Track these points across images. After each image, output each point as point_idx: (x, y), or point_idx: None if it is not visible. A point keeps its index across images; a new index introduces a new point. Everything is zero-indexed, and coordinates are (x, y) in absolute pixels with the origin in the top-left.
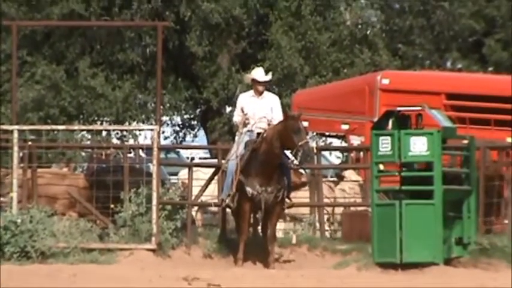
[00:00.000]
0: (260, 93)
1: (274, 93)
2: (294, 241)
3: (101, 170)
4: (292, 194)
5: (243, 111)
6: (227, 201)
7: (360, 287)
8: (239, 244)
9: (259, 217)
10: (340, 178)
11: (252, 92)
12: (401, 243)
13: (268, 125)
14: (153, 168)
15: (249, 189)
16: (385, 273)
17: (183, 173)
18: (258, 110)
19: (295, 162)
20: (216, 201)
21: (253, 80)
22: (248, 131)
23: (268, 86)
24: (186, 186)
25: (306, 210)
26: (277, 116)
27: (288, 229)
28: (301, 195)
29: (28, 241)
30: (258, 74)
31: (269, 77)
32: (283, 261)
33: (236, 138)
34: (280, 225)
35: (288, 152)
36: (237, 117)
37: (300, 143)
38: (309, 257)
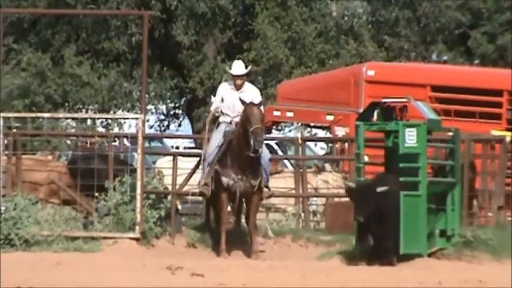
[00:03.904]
0: (239, 87)
1: (257, 84)
2: (270, 234)
3: (83, 158)
4: (273, 184)
5: (222, 101)
6: (202, 189)
7: (344, 280)
8: (220, 235)
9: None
10: (321, 169)
11: (232, 83)
12: None
13: None
14: (137, 157)
15: (224, 179)
16: (369, 265)
17: (160, 162)
18: (237, 103)
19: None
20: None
21: (232, 74)
22: (229, 123)
23: (248, 79)
24: (162, 175)
25: (278, 200)
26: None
27: (271, 220)
28: (278, 184)
29: (12, 229)
30: (235, 68)
31: (244, 70)
32: (261, 251)
33: (207, 126)
34: (261, 215)
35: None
36: (215, 106)
37: (251, 129)
38: (293, 248)
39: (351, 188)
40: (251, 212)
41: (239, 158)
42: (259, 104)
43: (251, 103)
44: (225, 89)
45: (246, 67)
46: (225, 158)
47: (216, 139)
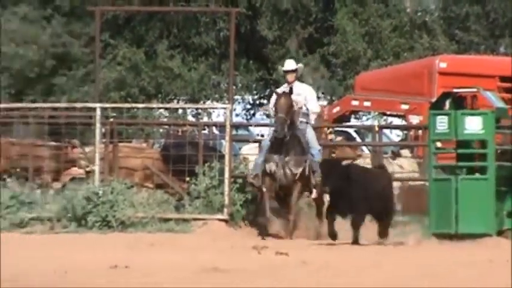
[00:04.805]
0: (291, 82)
1: (336, 76)
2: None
3: (175, 145)
4: None
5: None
6: (252, 180)
7: (418, 257)
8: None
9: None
10: (397, 155)
11: (286, 84)
12: (457, 216)
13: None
14: (225, 144)
15: (267, 165)
16: (441, 244)
17: (246, 149)
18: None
19: None
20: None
21: (283, 71)
22: None
23: (298, 76)
24: (248, 160)
25: None
26: (312, 106)
27: None
28: None
29: (109, 211)
30: (286, 64)
31: (294, 65)
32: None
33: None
34: None
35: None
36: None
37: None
38: (371, 228)
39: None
40: (291, 199)
41: (279, 144)
42: (290, 94)
43: (282, 93)
44: (279, 90)
45: (298, 64)
46: (271, 148)
47: (270, 133)
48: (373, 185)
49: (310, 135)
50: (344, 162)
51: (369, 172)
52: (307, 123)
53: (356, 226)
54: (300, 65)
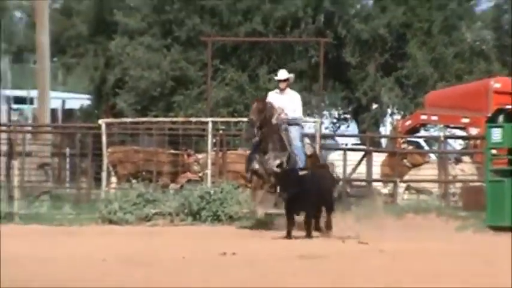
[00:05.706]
0: (283, 90)
1: (408, 95)
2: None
3: None
4: (420, 172)
5: None
6: (246, 174)
7: (476, 244)
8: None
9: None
10: (459, 161)
11: (277, 90)
12: (510, 211)
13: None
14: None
15: (252, 164)
16: (497, 235)
17: (333, 155)
18: (279, 104)
19: None
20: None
21: (277, 80)
22: None
23: (289, 84)
24: (335, 165)
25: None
26: (297, 110)
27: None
28: (425, 172)
29: (219, 207)
30: (279, 74)
31: (285, 76)
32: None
33: None
34: (412, 196)
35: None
36: None
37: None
38: (436, 222)
39: (276, 172)
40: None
41: (262, 142)
42: (263, 100)
43: (256, 100)
44: (272, 95)
45: (289, 74)
46: (256, 146)
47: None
48: (319, 186)
49: (294, 134)
50: (301, 172)
51: (316, 175)
52: (293, 125)
53: (308, 222)
54: (291, 74)
